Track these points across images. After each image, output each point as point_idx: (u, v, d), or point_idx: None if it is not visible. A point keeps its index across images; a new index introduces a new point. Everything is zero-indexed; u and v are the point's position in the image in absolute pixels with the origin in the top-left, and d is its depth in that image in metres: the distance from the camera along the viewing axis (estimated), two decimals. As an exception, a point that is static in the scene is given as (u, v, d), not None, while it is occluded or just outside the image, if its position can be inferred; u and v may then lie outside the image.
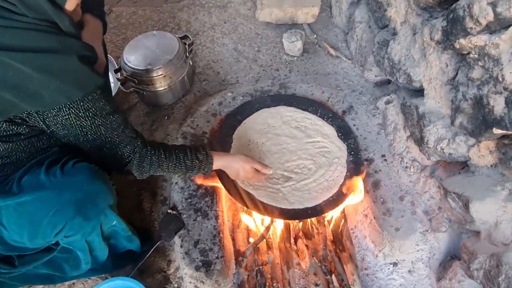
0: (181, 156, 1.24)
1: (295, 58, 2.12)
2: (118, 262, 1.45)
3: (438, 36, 1.20)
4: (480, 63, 1.05)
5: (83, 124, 0.97)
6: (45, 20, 0.89)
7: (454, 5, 1.09)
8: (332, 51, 2.10)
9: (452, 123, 1.21)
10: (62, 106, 0.92)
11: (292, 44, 2.07)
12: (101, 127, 1.01)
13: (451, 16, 1.11)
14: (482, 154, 1.19)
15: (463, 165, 1.33)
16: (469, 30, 1.03)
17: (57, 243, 1.21)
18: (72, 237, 1.14)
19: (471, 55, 1.08)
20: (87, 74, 0.94)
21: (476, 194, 1.15)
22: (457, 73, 1.22)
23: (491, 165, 1.19)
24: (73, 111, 0.94)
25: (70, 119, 0.95)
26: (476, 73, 1.08)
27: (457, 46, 1.10)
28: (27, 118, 0.97)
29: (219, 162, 1.34)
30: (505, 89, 0.96)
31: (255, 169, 1.41)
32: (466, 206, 1.17)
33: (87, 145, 1.04)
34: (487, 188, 1.15)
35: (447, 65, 1.26)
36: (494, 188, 1.13)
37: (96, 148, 1.06)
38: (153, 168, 1.20)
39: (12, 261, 1.20)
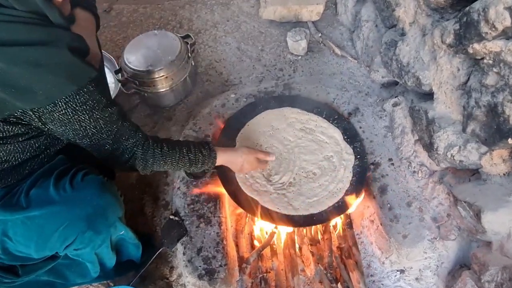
0: (184, 150, 1.22)
1: (300, 57, 2.07)
2: (120, 269, 1.43)
3: (450, 39, 1.15)
4: (495, 70, 1.01)
5: (81, 118, 0.94)
6: (34, 13, 0.85)
7: (468, 8, 1.04)
8: (337, 51, 2.05)
9: (464, 130, 1.17)
10: (57, 101, 0.88)
11: (297, 43, 2.02)
12: (100, 120, 0.97)
13: (464, 19, 1.06)
14: (495, 162, 1.15)
15: (474, 172, 1.29)
16: (484, 35, 0.98)
17: None
18: (81, 250, 1.15)
19: (485, 61, 1.04)
20: (79, 66, 0.90)
21: (488, 204, 1.12)
22: (469, 78, 1.18)
23: (504, 174, 1.15)
24: (69, 105, 0.90)
25: (67, 114, 0.91)
26: (491, 79, 1.03)
27: (470, 51, 1.06)
28: (21, 117, 0.93)
29: (222, 157, 1.33)
30: (522, 98, 0.91)
31: (258, 158, 1.42)
32: (477, 216, 1.13)
33: (87, 141, 1.00)
34: (499, 198, 1.11)
35: (458, 69, 1.21)
36: (508, 198, 1.09)
37: (97, 144, 1.03)
38: (156, 162, 1.17)
39: (16, 270, 1.19)
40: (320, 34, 2.14)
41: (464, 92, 1.19)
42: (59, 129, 0.95)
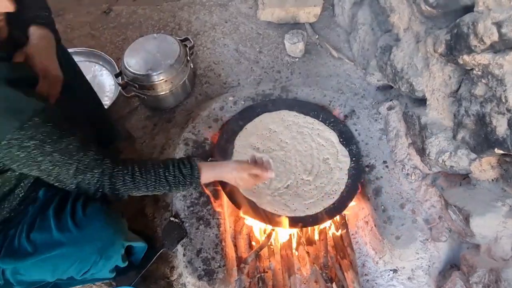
0: (161, 172, 1.10)
1: (297, 59, 2.10)
2: (122, 268, 1.48)
3: (441, 49, 1.19)
4: (483, 81, 1.04)
5: (32, 153, 0.86)
6: None
7: (458, 21, 1.07)
8: (334, 53, 2.08)
9: (454, 137, 1.21)
10: (4, 141, 0.83)
11: (294, 46, 2.05)
12: (54, 154, 0.89)
13: (455, 31, 1.09)
14: (484, 168, 1.19)
15: (464, 176, 1.33)
16: (473, 47, 1.02)
17: None
18: (95, 275, 1.20)
19: (474, 72, 1.07)
20: (20, 99, 0.83)
21: (476, 209, 1.16)
22: (460, 86, 1.22)
23: (492, 180, 1.19)
24: (15, 142, 0.83)
25: (13, 151, 0.84)
26: (480, 90, 1.07)
27: (460, 61, 1.09)
28: None
29: (208, 174, 1.19)
30: (508, 110, 0.95)
31: (253, 174, 1.26)
32: (466, 220, 1.18)
33: (49, 177, 0.93)
34: (487, 203, 1.15)
35: (450, 77, 1.25)
36: (495, 203, 1.13)
37: (59, 179, 0.94)
38: (128, 189, 1.07)
39: None
40: (317, 36, 2.17)
41: (455, 100, 1.23)
42: (14, 166, 0.88)
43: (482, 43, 0.98)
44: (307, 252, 1.55)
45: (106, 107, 1.84)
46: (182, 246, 1.45)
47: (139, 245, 1.39)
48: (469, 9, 1.05)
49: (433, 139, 1.30)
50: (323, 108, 1.80)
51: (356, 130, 1.74)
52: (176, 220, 1.50)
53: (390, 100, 1.69)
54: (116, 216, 1.18)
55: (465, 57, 1.06)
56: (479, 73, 1.05)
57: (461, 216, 1.21)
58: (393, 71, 1.53)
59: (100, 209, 1.09)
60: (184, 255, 1.43)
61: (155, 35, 1.88)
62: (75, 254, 1.05)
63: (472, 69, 1.08)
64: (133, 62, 1.78)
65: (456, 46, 1.09)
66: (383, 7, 1.60)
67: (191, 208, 1.52)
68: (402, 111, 1.55)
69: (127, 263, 1.35)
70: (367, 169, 1.63)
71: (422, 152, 1.37)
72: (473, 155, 1.20)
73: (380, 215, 1.51)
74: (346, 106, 1.81)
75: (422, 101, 1.43)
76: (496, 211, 1.12)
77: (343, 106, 1.81)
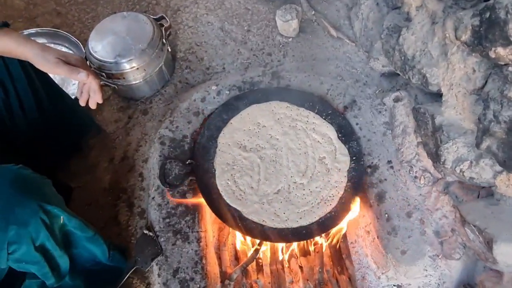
0: None
1: (290, 39, 1.85)
2: (93, 286, 1.30)
3: (466, 36, 0.95)
4: (522, 81, 0.82)
5: None
6: None
7: (492, 2, 0.83)
8: (333, 32, 1.82)
9: (478, 145, 0.99)
10: None
11: (287, 24, 1.79)
12: None
13: (487, 15, 0.85)
14: (512, 183, 0.98)
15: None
16: (511, 39, 0.79)
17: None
18: (17, 252, 0.97)
19: (510, 69, 0.84)
20: None
21: (502, 232, 0.97)
22: (486, 82, 0.99)
23: (522, 197, 0.99)
24: None
25: None
26: (515, 92, 0.85)
27: (492, 55, 0.86)
28: None
29: (8, 40, 1.02)
30: (557, 124, 0.74)
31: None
32: (488, 244, 0.99)
33: None
34: (515, 227, 0.96)
35: (474, 71, 1.02)
36: (525, 227, 0.94)
37: None
38: None
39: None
40: (313, 12, 1.90)
41: (480, 99, 1.01)
42: None
43: (525, 34, 0.75)
44: (300, 267, 1.37)
45: (72, 97, 1.61)
46: (156, 264, 1.27)
47: (81, 229, 1.13)
48: (506, -14, 0.81)
49: (450, 145, 1.08)
50: (320, 98, 1.57)
51: (357, 124, 1.52)
52: (150, 234, 1.31)
53: (397, 90, 1.46)
54: (29, 175, 1.01)
55: (500, 49, 0.83)
56: (517, 71, 0.82)
57: (482, 238, 1.02)
58: (402, 58, 1.29)
59: (10, 168, 0.97)
60: (159, 275, 1.25)
61: (125, 13, 1.62)
62: None
63: (506, 65, 0.86)
64: (99, 48, 1.53)
65: (488, 35, 0.86)
66: (392, -20, 1.34)
67: (167, 220, 1.33)
68: (412, 105, 1.32)
69: (66, 259, 1.11)
70: (369, 170, 1.43)
71: (435, 157, 1.16)
72: (499, 167, 0.99)
73: (384, 225, 1.32)
74: (346, 96, 1.58)
75: (436, 96, 1.21)
76: (526, 237, 0.93)
77: (342, 95, 1.58)
